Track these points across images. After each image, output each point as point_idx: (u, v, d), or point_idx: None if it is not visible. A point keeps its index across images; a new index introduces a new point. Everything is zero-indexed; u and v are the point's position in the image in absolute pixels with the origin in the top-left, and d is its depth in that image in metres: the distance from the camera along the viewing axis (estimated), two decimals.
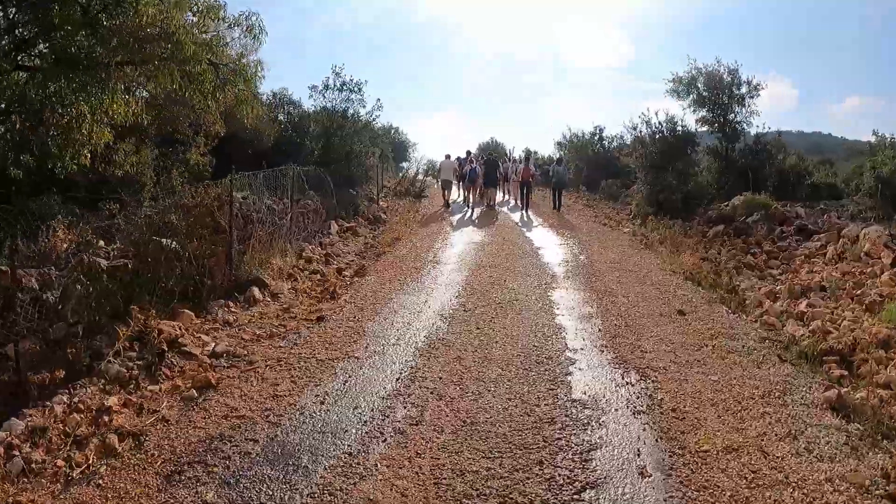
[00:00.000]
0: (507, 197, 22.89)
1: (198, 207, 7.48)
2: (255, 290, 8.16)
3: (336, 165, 16.57)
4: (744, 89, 18.81)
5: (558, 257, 11.29)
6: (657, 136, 16.66)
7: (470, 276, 9.58)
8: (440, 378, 5.29)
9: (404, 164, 38.76)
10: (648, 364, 5.56)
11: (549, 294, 8.37)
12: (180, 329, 6.60)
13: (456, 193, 22.02)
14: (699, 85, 19.31)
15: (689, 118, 18.71)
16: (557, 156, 25.69)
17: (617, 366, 5.52)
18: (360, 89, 17.33)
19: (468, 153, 23.19)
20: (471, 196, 20.15)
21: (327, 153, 16.86)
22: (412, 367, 5.55)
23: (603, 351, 5.92)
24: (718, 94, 18.93)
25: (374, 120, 17.75)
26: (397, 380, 5.29)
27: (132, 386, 5.54)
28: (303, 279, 9.65)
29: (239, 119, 18.85)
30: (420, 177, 29.35)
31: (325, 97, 17.30)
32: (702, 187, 16.70)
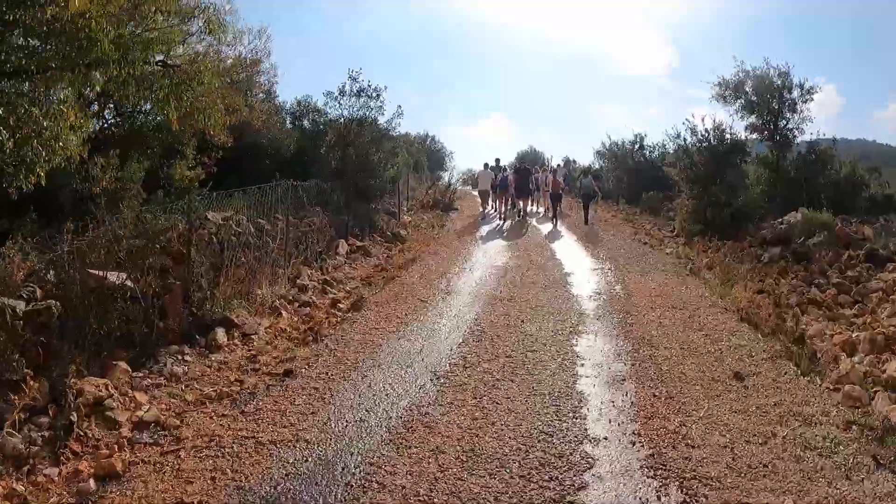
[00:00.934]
0: (538, 208, 22.35)
1: (145, 235, 6.21)
2: (220, 333, 6.86)
3: (352, 177, 15.32)
4: (795, 93, 16.82)
5: (590, 287, 9.69)
6: (703, 146, 14.82)
7: (483, 313, 8.09)
8: (402, 492, 3.81)
9: (442, 174, 37.35)
10: (696, 471, 3.93)
11: (572, 343, 6.79)
12: (107, 388, 5.31)
13: (489, 205, 21.13)
14: (747, 89, 17.45)
15: (737, 125, 16.92)
16: (587, 166, 24.44)
17: (652, 474, 3.91)
18: (378, 95, 16.01)
19: (497, 161, 21.72)
20: (501, 206, 19.72)
21: (343, 164, 15.63)
22: (369, 468, 4.07)
23: (634, 443, 4.33)
24: (769, 98, 16.99)
25: (394, 128, 16.42)
26: (345, 488, 3.84)
27: (28, 468, 4.28)
28: (289, 314, 8.34)
29: (256, 128, 18.03)
30: (456, 187, 28.08)
31: (340, 104, 16.08)
32: (753, 202, 14.78)
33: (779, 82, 17.13)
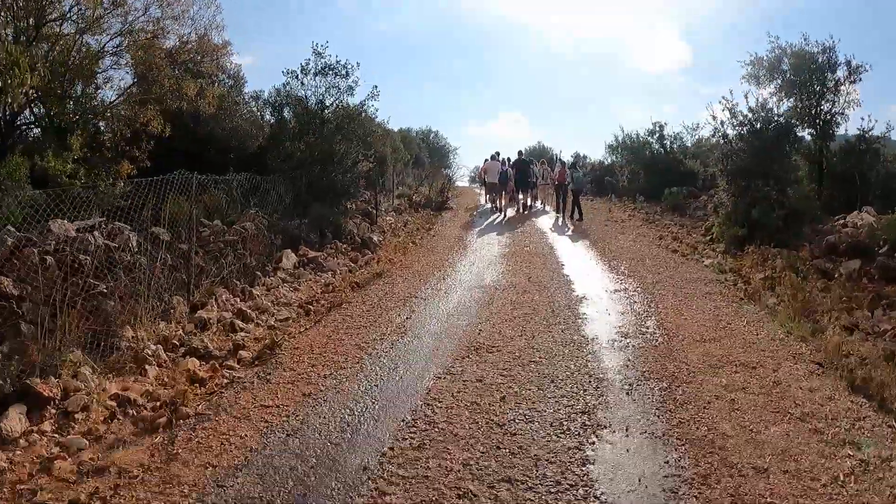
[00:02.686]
0: (539, 203, 20.55)
1: None
2: (13, 416, 4.02)
3: (310, 171, 12.37)
4: (840, 73, 13.62)
5: (610, 324, 6.65)
6: (747, 130, 11.69)
7: (441, 379, 5.07)
8: None
9: (447, 170, 34.32)
10: None
11: (587, 460, 3.75)
12: None
13: (498, 201, 18.86)
14: (785, 67, 14.33)
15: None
16: (573, 159, 23.99)
17: None
18: (347, 73, 13.06)
19: (492, 156, 19.42)
20: (500, 200, 18.18)
21: (309, 155, 12.70)
22: None
23: None
24: (811, 78, 13.85)
25: (366, 111, 13.38)
26: None
27: None
28: (162, 369, 5.44)
29: (220, 119, 15.13)
30: (451, 184, 25.12)
31: (304, 84, 13.12)
32: (807, 200, 11.66)
33: (822, 59, 14.00)
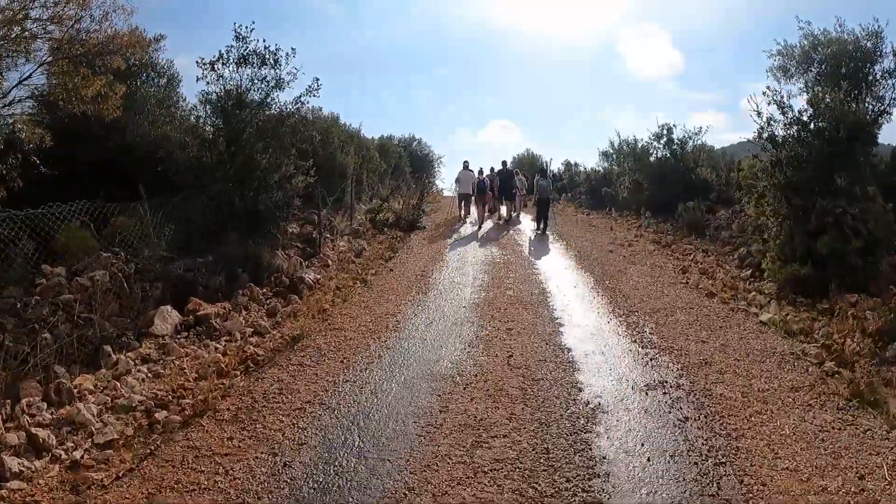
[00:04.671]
0: (520, 216, 18.41)
1: None
2: None
3: (226, 190, 9.22)
4: (888, 62, 10.59)
5: (657, 494, 3.51)
6: (808, 131, 8.55)
7: None
8: None
9: (430, 181, 31.27)
10: None
11: None
12: None
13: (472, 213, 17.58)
14: (819, 56, 11.46)
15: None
16: (541, 166, 22.41)
17: None
18: (276, 61, 9.91)
19: (465, 164, 17.39)
20: (477, 212, 16.82)
21: (218, 170, 9.54)
22: None
23: None
24: (858, 67, 10.87)
25: (300, 109, 10.19)
26: None
27: None
28: None
29: (140, 126, 11.90)
30: (443, 192, 22.21)
31: (223, 78, 9.93)
32: (888, 224, 8.53)
33: (870, 45, 11.03)
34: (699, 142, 17.02)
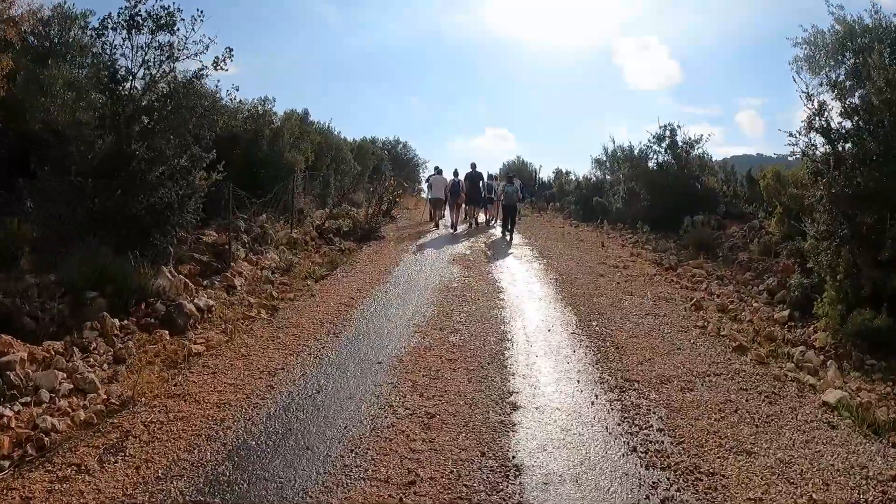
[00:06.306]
0: (493, 221, 17.45)
1: None
2: None
3: (98, 184, 6.68)
4: None
5: None
6: (869, 119, 6.07)
7: None
8: None
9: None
10: None
11: None
12: None
13: (446, 217, 16.84)
14: (855, 45, 9.13)
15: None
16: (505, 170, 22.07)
17: None
18: (173, 24, 7.35)
19: (436, 169, 16.99)
20: (450, 216, 16.14)
21: (88, 159, 6.97)
22: None
23: None
24: None
25: (202, 83, 7.70)
26: None
27: None
28: None
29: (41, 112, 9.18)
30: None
31: (109, 46, 7.37)
32: None
33: None
34: (700, 150, 14.57)
